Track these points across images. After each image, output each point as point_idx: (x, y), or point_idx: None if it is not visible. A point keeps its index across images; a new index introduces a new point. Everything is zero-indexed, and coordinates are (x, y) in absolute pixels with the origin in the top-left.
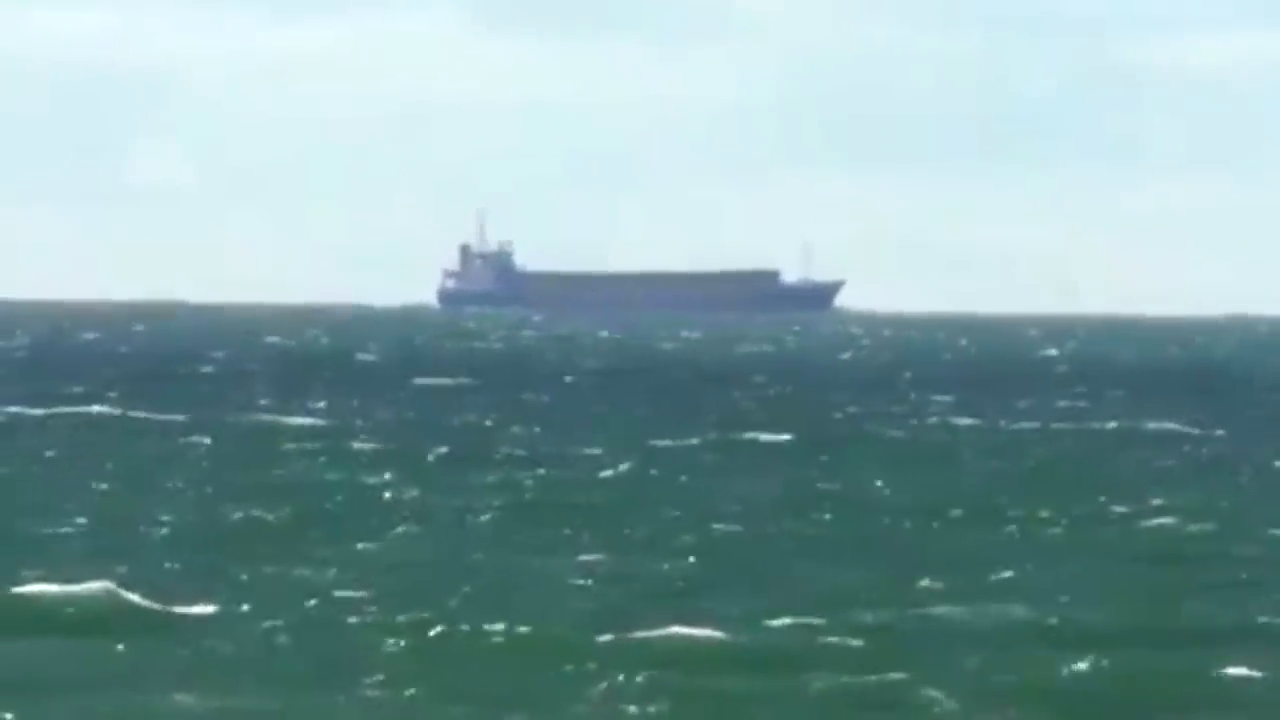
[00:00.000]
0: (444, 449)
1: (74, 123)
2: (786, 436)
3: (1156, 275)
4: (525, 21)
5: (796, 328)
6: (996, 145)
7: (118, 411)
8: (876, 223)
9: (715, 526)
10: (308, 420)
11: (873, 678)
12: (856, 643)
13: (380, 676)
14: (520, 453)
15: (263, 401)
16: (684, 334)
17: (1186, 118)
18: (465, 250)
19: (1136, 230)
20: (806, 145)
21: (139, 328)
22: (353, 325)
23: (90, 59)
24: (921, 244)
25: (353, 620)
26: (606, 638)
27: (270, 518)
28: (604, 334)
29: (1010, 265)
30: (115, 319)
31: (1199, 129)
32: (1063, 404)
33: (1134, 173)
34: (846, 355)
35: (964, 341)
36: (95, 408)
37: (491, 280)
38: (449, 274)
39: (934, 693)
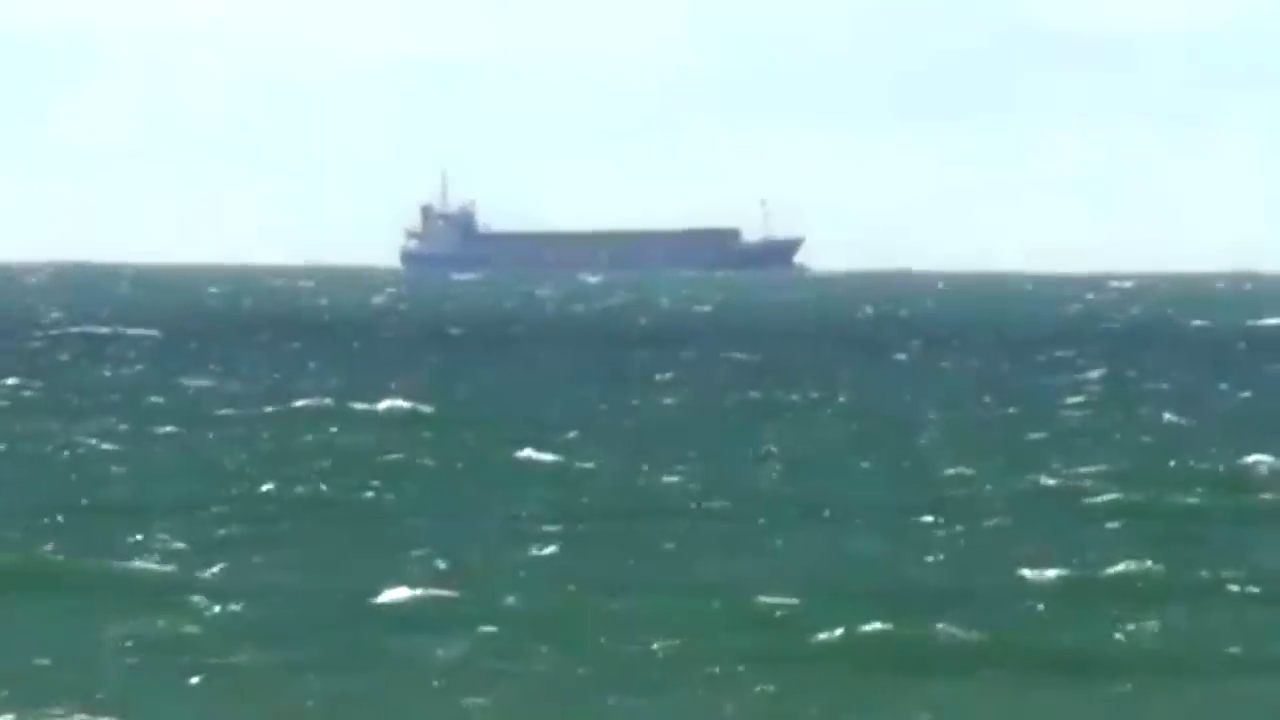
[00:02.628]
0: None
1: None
2: None
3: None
4: None
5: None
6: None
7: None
8: (819, 180)
9: None
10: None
11: None
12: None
13: None
14: None
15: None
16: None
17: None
18: (427, 210)
19: (1048, 186)
20: (744, 101)
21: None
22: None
23: (12, 19)
24: (861, 201)
25: None
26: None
27: None
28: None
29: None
30: (68, 280)
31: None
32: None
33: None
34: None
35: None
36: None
37: (455, 241)
38: (411, 234)
39: None
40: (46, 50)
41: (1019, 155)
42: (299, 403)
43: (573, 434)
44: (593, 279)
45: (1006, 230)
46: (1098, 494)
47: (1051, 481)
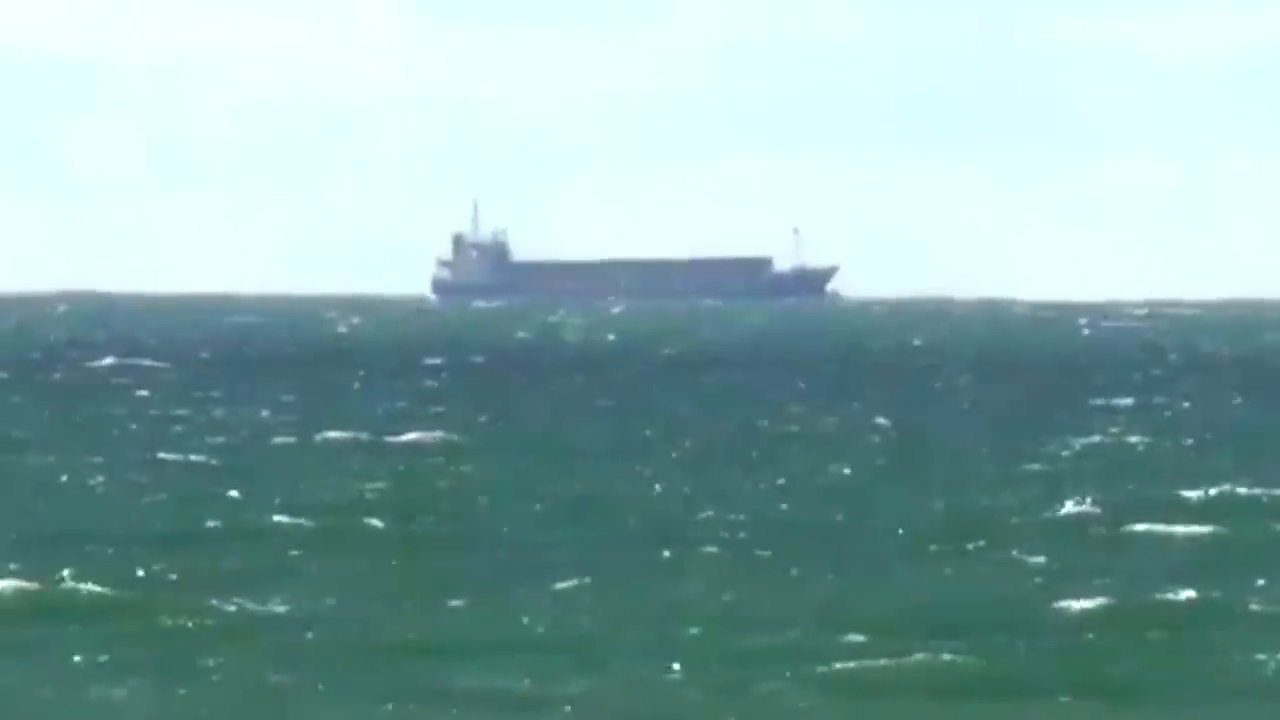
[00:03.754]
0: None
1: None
2: None
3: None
4: (465, 13)
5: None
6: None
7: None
8: (850, 209)
9: None
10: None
11: None
12: None
13: None
14: None
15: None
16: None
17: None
18: (459, 239)
19: (1075, 214)
20: (774, 131)
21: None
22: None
23: (26, 47)
24: (900, 230)
25: None
26: None
27: None
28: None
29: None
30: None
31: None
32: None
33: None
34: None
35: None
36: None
37: (487, 270)
38: (443, 264)
39: None
40: (58, 78)
41: (1049, 182)
42: (333, 434)
43: (608, 461)
44: (615, 309)
45: (1037, 257)
46: (1135, 521)
47: (1094, 509)
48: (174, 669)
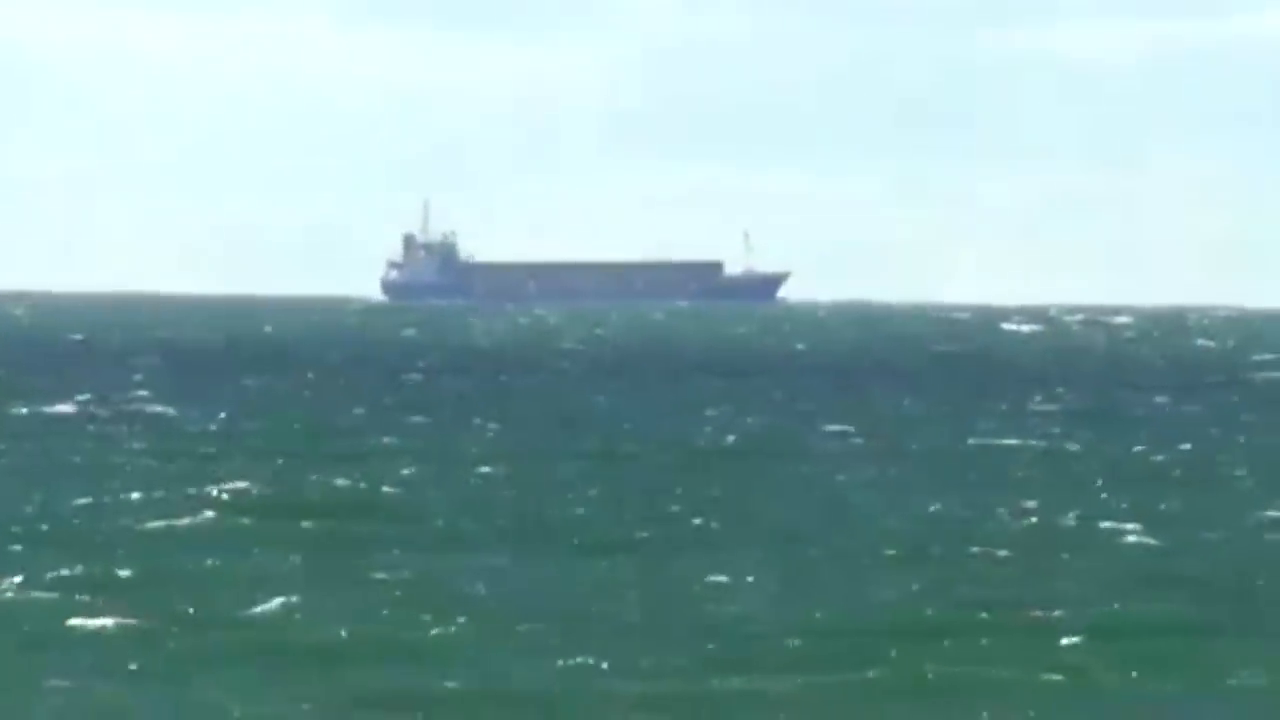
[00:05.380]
0: None
1: None
2: None
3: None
4: (395, 15)
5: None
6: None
7: None
8: (796, 215)
9: None
10: None
11: None
12: None
13: None
14: None
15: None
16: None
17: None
18: (409, 240)
19: (1002, 221)
20: (723, 135)
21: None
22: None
23: None
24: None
25: None
26: None
27: None
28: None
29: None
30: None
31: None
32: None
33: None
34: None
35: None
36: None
37: (436, 270)
38: (392, 264)
39: None
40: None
41: (984, 190)
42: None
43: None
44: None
45: (982, 263)
46: (1134, 533)
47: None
48: (97, 671)
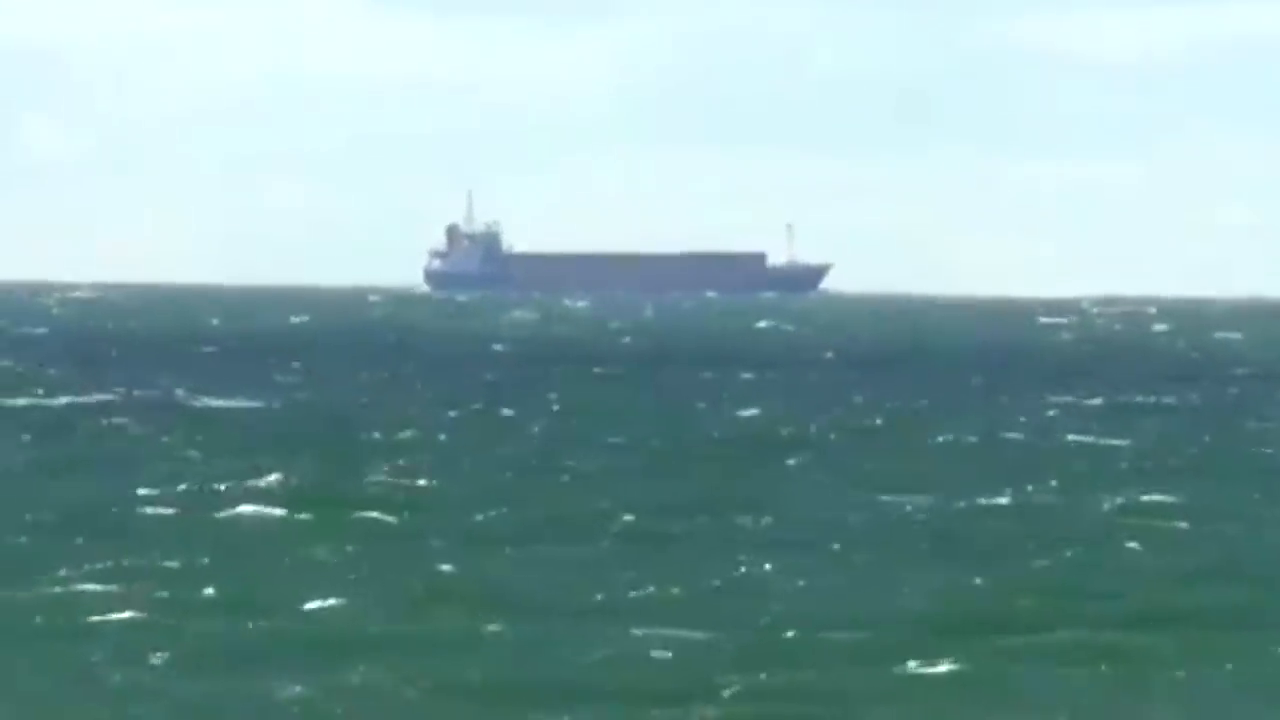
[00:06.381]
0: None
1: None
2: None
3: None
4: (414, 2)
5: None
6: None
7: None
8: (838, 206)
9: None
10: None
11: None
12: None
13: None
14: None
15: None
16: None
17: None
18: (452, 230)
19: (1011, 212)
20: (759, 125)
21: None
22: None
23: None
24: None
25: None
26: None
27: None
28: None
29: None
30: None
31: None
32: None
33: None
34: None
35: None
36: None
37: (479, 261)
38: (435, 254)
39: None
40: (16, 66)
41: (1009, 180)
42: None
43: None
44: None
45: (1021, 253)
46: (1179, 521)
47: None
48: (136, 662)
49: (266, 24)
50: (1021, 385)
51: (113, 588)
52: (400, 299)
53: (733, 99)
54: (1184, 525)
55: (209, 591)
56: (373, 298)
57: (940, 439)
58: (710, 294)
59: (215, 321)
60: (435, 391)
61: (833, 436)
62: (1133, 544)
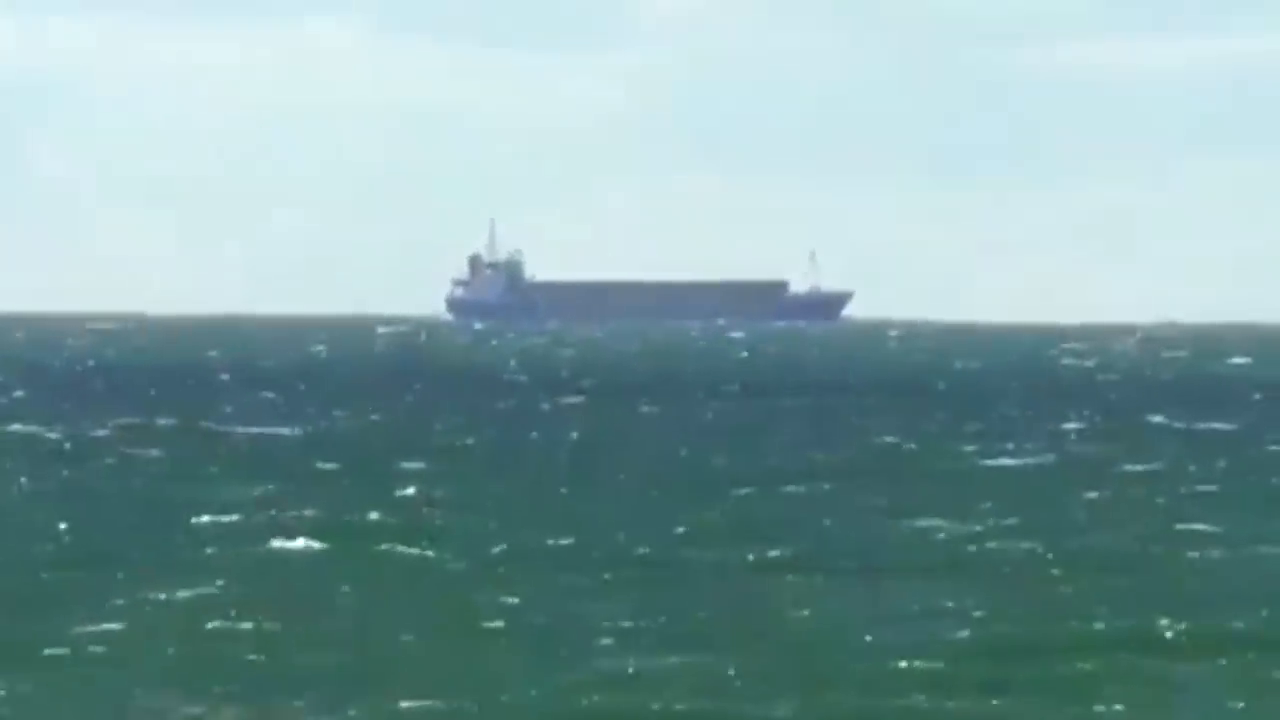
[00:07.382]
0: None
1: None
2: None
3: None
4: (423, 28)
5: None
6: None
7: None
8: (867, 234)
9: None
10: None
11: None
12: None
13: None
14: None
15: None
16: None
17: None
18: (475, 259)
19: (1042, 239)
20: (781, 153)
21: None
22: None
23: None
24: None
25: None
26: None
27: None
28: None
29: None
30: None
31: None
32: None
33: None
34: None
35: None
36: None
37: (501, 290)
38: (458, 283)
39: None
40: (27, 92)
41: (1051, 208)
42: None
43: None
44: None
45: (1053, 281)
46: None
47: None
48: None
49: (286, 53)
50: (1046, 411)
51: (141, 618)
52: (425, 328)
53: (754, 125)
54: (1218, 552)
55: (235, 622)
56: (400, 328)
57: (966, 465)
58: (723, 321)
59: (234, 351)
60: (453, 420)
61: (860, 463)
62: (1171, 569)
